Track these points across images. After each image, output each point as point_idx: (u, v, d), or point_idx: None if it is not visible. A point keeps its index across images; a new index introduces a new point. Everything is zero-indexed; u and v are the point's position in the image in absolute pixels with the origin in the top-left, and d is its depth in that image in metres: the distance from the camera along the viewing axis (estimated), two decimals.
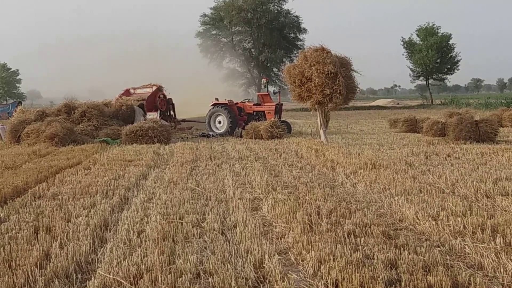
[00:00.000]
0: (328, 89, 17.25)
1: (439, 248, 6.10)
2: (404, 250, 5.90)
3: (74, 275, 5.50)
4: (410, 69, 79.03)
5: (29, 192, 9.95)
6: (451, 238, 6.45)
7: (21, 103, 29.83)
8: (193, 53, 74.23)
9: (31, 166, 13.31)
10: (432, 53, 72.35)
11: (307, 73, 17.65)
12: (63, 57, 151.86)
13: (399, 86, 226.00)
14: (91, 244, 6.47)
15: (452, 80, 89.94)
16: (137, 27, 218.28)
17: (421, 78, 79.71)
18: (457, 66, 77.01)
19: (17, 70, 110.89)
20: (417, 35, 76.82)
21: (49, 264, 5.68)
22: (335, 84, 17.20)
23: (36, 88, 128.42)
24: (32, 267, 5.54)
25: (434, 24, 75.83)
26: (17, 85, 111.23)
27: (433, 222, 6.98)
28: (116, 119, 23.76)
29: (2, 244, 6.48)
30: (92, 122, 22.26)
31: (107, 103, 25.00)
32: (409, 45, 77.08)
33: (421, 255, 5.72)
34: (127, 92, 29.31)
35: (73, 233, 6.90)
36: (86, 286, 5.27)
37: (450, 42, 75.48)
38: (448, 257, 5.78)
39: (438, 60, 74.49)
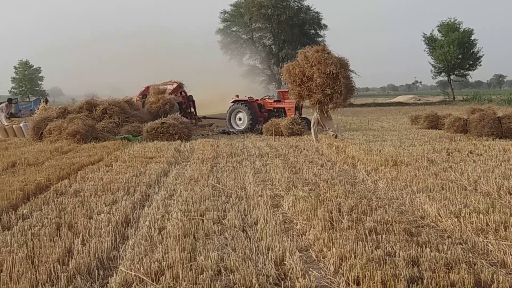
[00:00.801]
0: (329, 89, 17.65)
1: (461, 246, 6.05)
2: (426, 247, 5.86)
3: (96, 271, 5.54)
4: (432, 65, 78.31)
5: (52, 189, 10.03)
6: (473, 235, 6.40)
7: (48, 101, 30.00)
8: (214, 50, 74.28)
9: (54, 163, 13.42)
10: (454, 49, 71.50)
11: (308, 73, 17.97)
12: (84, 54, 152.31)
13: (421, 82, 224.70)
14: (113, 241, 6.50)
15: (474, 76, 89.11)
16: (156, 23, 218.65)
17: (443, 74, 78.81)
18: (479, 62, 76.05)
19: (39, 67, 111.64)
20: (439, 30, 76.01)
21: (71, 261, 5.71)
22: (336, 84, 17.62)
23: (57, 85, 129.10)
24: (55, 264, 5.58)
25: (455, 20, 75.07)
26: (40, 82, 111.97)
27: (455, 220, 6.92)
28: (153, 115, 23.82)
29: (25, 240, 6.53)
30: (114, 119, 22.33)
31: (128, 100, 25.09)
32: (430, 41, 76.26)
33: (443, 253, 5.67)
34: (147, 89, 29.45)
35: (95, 230, 6.95)
36: (108, 282, 5.30)
37: (472, 37, 74.50)
38: (470, 255, 5.74)
39: (460, 56, 73.58)
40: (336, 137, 18.60)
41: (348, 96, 18.75)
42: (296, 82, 18.43)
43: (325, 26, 72.70)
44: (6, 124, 26.50)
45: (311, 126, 19.31)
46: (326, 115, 19.18)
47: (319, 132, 19.27)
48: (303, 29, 70.97)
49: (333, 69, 17.52)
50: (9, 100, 29.01)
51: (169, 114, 23.99)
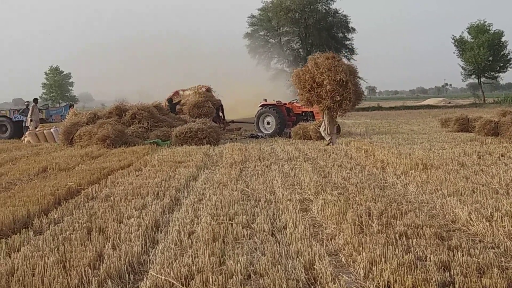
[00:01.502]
0: (339, 96, 18.05)
1: (493, 250, 5.96)
2: (457, 251, 5.79)
3: (127, 275, 5.58)
4: (462, 67, 77.50)
5: (82, 194, 10.15)
6: (505, 239, 6.30)
7: (73, 106, 30.39)
8: (241, 54, 74.39)
9: (84, 168, 13.56)
10: (484, 51, 70.70)
11: (318, 79, 18.29)
12: (113, 60, 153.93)
13: (450, 84, 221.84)
14: (143, 245, 6.54)
15: (505, 78, 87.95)
16: (184, 28, 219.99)
17: (473, 76, 77.97)
18: (510, 64, 75.04)
19: (69, 73, 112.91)
20: (468, 32, 75.26)
21: (102, 265, 5.76)
22: (345, 91, 18.08)
23: (87, 90, 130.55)
24: (86, 268, 5.63)
25: (485, 22, 74.30)
26: (70, 88, 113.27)
27: (487, 223, 6.83)
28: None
29: (56, 245, 6.60)
30: (143, 123, 22.48)
31: (157, 105, 25.26)
32: (460, 43, 75.49)
33: (475, 257, 5.60)
34: (176, 94, 29.65)
35: (125, 234, 6.99)
36: (138, 286, 5.34)
37: (502, 39, 73.69)
38: (503, 259, 5.64)
39: (490, 58, 72.72)
40: (331, 144, 18.86)
41: (356, 102, 19.35)
42: (305, 88, 18.74)
43: (353, 29, 72.38)
44: (31, 128, 26.76)
45: (321, 130, 19.68)
46: (333, 121, 19.47)
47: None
48: (331, 33, 70.72)
49: (343, 77, 17.96)
50: (35, 100, 29.22)
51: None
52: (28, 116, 27.69)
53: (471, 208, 7.60)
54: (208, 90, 29.34)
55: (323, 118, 19.48)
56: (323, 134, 19.61)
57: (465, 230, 6.97)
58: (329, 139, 19.21)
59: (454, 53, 77.47)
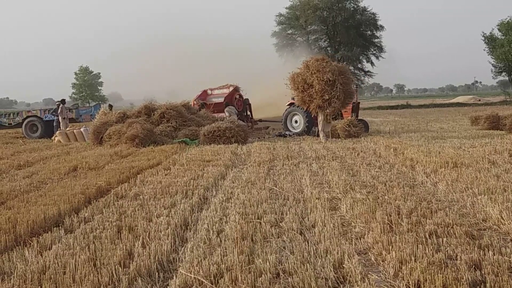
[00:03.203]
0: (327, 95, 19.64)
1: None
2: (488, 250, 5.73)
3: (157, 274, 5.62)
4: (492, 64, 76.43)
5: (112, 192, 10.23)
6: None
7: (112, 106, 30.64)
8: (269, 53, 74.22)
9: (113, 167, 13.68)
10: None
11: (309, 80, 19.97)
12: (141, 60, 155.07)
13: (480, 82, 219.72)
14: (172, 244, 6.58)
15: None
16: (211, 28, 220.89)
17: (504, 73, 76.86)
18: None
19: (99, 73, 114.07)
20: (499, 29, 74.19)
21: (132, 263, 5.80)
22: (333, 90, 19.59)
23: (117, 90, 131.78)
24: (116, 266, 5.68)
25: None
26: (99, 87, 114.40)
27: None
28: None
29: (87, 243, 6.68)
30: (171, 123, 22.56)
31: (185, 104, 25.36)
32: (490, 40, 74.48)
33: (507, 256, 5.55)
34: (204, 93, 29.78)
35: (155, 233, 7.04)
36: (168, 285, 5.37)
37: None
38: None
39: None
40: (324, 140, 20.31)
41: (347, 101, 20.64)
42: (299, 89, 20.37)
43: (382, 27, 71.77)
44: (64, 129, 27.07)
45: (320, 129, 21.00)
46: (328, 119, 20.78)
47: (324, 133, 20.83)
48: (359, 31, 70.21)
49: (330, 76, 19.47)
50: (62, 101, 29.55)
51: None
52: (59, 115, 28.07)
53: (502, 206, 7.51)
54: (236, 89, 29.44)
55: (320, 117, 20.72)
56: (320, 133, 20.92)
57: (496, 229, 6.89)
58: (323, 136, 20.69)
59: (484, 50, 76.46)
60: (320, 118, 20.67)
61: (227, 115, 25.30)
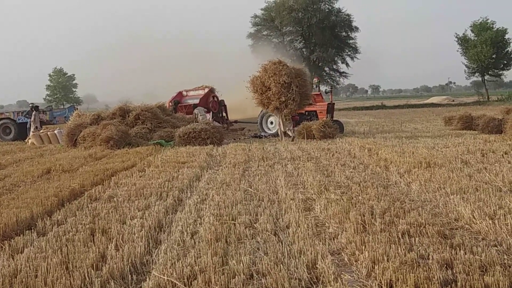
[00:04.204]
0: (284, 97, 20.36)
1: (496, 248, 5.96)
2: (460, 250, 5.79)
3: (130, 276, 5.59)
4: (465, 65, 77.36)
5: (86, 195, 10.16)
6: (508, 237, 6.30)
7: (76, 108, 30.51)
8: (245, 54, 74.24)
9: (87, 169, 13.58)
10: (487, 49, 70.50)
11: (267, 83, 20.68)
12: (117, 61, 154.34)
13: (454, 83, 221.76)
14: (146, 246, 6.55)
15: (509, 75, 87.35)
16: (186, 30, 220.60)
17: (477, 74, 77.85)
18: None
19: (73, 74, 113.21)
20: (472, 30, 75.12)
21: (105, 266, 5.77)
22: (289, 92, 20.34)
23: (92, 92, 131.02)
24: (89, 269, 5.65)
25: (488, 19, 74.13)
26: (74, 89, 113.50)
27: (490, 221, 6.82)
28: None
29: (59, 246, 6.62)
30: (146, 124, 22.48)
31: (160, 106, 25.27)
32: (463, 41, 75.36)
33: (478, 255, 5.61)
34: (179, 95, 29.72)
35: (128, 235, 7.01)
36: (141, 287, 5.35)
37: (506, 37, 73.48)
38: (505, 257, 5.64)
39: (494, 56, 72.54)
40: (293, 139, 21.28)
41: (303, 102, 21.32)
42: (258, 91, 21.08)
43: (356, 28, 72.33)
44: (37, 132, 26.78)
45: (280, 129, 22.17)
46: (286, 119, 21.80)
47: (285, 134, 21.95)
48: (334, 32, 70.63)
49: (286, 79, 20.19)
50: (36, 108, 29.24)
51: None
52: (32, 122, 27.76)
53: (474, 206, 7.60)
54: (212, 90, 29.43)
55: (278, 118, 21.91)
56: (279, 133, 21.99)
57: (468, 228, 6.97)
58: (291, 133, 21.85)
59: (457, 51, 77.45)
60: (279, 119, 21.87)
61: (198, 117, 25.24)
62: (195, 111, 26.17)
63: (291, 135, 21.72)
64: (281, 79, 20.22)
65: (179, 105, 28.58)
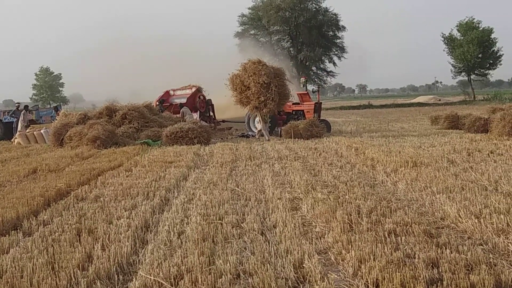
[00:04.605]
0: (263, 97, 21.01)
1: (482, 247, 5.99)
2: (446, 249, 5.81)
3: (116, 276, 5.57)
4: (452, 65, 77.69)
5: (72, 195, 10.10)
6: (494, 236, 6.34)
7: (58, 109, 30.45)
8: (232, 54, 74.19)
9: (74, 169, 13.52)
10: (473, 48, 70.86)
11: (246, 82, 21.30)
12: (104, 61, 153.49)
13: (441, 82, 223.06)
14: (132, 246, 6.53)
15: (495, 75, 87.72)
16: (173, 30, 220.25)
17: (463, 73, 78.21)
18: (500, 61, 75.12)
19: (60, 74, 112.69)
20: (458, 30, 75.46)
21: (91, 266, 5.75)
22: (268, 92, 20.97)
23: (78, 91, 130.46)
24: (75, 269, 5.62)
25: (474, 19, 74.51)
26: (60, 89, 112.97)
27: (476, 220, 6.87)
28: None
29: (45, 246, 6.59)
30: (133, 124, 22.41)
31: (147, 105, 25.21)
32: (449, 41, 75.70)
33: (464, 254, 5.63)
34: (167, 94, 29.68)
35: (115, 235, 6.98)
36: (127, 287, 5.33)
37: (492, 36, 73.86)
38: (491, 256, 5.68)
39: (480, 55, 72.93)
40: (268, 140, 21.52)
41: (282, 102, 22.15)
42: (237, 90, 21.74)
43: (344, 27, 72.55)
44: (22, 131, 26.63)
45: (261, 128, 22.64)
46: (263, 119, 22.27)
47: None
48: (321, 31, 70.79)
49: (265, 79, 20.80)
50: (26, 107, 29.18)
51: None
52: (21, 122, 27.64)
53: (460, 205, 7.64)
54: (199, 89, 29.39)
55: (258, 117, 22.52)
56: (264, 133, 22.32)
57: (453, 227, 7.00)
58: (260, 134, 22.65)
59: (444, 50, 77.82)
60: (258, 118, 22.52)
61: (185, 116, 25.27)
62: (182, 109, 26.17)
63: (266, 136, 22.14)
64: (261, 79, 20.80)
65: (164, 104, 28.56)
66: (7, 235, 7.34)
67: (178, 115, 25.76)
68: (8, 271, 5.68)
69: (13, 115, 29.49)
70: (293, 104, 25.34)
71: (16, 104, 30.12)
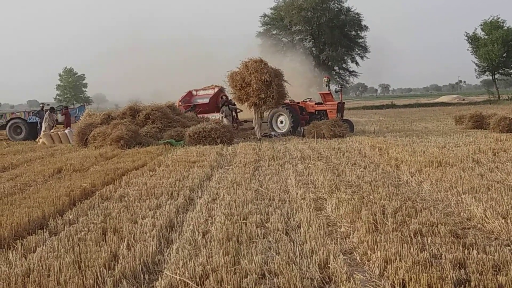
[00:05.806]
0: (263, 94, 21.84)
1: (509, 247, 5.94)
2: (473, 249, 5.77)
3: (142, 275, 5.59)
4: (476, 64, 76.92)
5: (97, 194, 10.18)
6: None
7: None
8: (254, 54, 74.09)
9: (98, 169, 13.60)
10: (498, 47, 70.03)
11: (247, 79, 22.05)
12: (127, 61, 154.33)
13: (464, 81, 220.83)
14: (158, 245, 6.56)
15: None
16: (194, 31, 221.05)
17: (487, 73, 77.36)
18: None
19: (83, 74, 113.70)
20: (482, 29, 74.67)
21: (117, 265, 5.79)
22: (269, 90, 21.76)
23: (101, 92, 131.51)
24: (101, 268, 5.66)
25: (499, 18, 73.68)
26: (84, 89, 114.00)
27: (503, 221, 6.79)
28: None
29: (71, 245, 6.64)
30: (156, 124, 22.51)
31: (170, 105, 25.30)
32: (473, 40, 74.92)
33: (491, 255, 5.59)
34: (189, 94, 29.75)
35: (140, 234, 7.01)
36: (153, 286, 5.36)
37: None
38: None
39: (505, 55, 72.05)
40: (260, 140, 22.25)
41: (280, 100, 22.79)
42: (237, 87, 22.46)
43: (366, 27, 72.03)
44: (47, 132, 26.84)
45: (254, 125, 23.71)
46: (261, 117, 23.46)
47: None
48: (343, 31, 70.38)
49: (267, 77, 21.58)
50: (52, 109, 29.43)
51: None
52: (43, 122, 27.87)
53: (486, 205, 7.56)
54: (221, 89, 29.41)
55: (254, 115, 23.29)
56: (256, 130, 23.36)
57: (480, 228, 6.94)
58: (259, 133, 23.23)
59: (467, 50, 77.00)
60: (254, 115, 23.39)
61: (223, 116, 25.64)
62: (223, 108, 26.43)
63: (258, 135, 23.22)
64: (263, 77, 21.60)
65: (189, 104, 28.68)
66: (34, 234, 7.40)
67: (201, 115, 25.87)
68: (36, 270, 5.73)
69: (37, 115, 29.76)
70: (316, 103, 25.29)
71: (41, 105, 30.38)
